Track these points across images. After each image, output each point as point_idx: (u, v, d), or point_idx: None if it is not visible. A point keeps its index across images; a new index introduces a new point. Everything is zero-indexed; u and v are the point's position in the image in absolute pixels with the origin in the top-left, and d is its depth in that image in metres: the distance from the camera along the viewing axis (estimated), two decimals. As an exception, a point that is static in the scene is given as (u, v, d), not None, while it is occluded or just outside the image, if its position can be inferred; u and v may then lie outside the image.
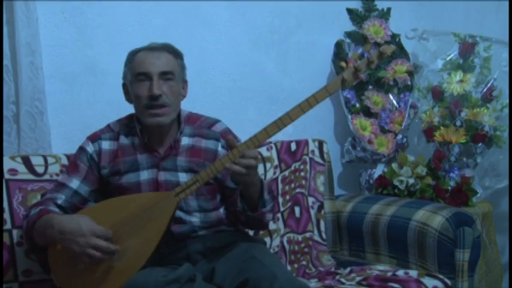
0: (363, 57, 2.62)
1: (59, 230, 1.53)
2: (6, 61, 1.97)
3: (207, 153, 1.78)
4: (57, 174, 1.88)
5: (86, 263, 1.52)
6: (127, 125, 1.80)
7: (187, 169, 1.74)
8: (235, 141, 1.58)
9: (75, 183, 1.73)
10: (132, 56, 1.74)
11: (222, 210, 1.81)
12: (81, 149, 1.78)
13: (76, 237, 1.51)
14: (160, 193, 1.64)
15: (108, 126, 1.82)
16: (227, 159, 1.56)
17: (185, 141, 1.78)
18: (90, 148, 1.76)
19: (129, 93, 1.76)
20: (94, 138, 1.78)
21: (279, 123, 1.58)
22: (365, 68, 1.60)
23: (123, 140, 1.77)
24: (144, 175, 1.72)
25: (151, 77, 1.68)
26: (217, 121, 1.86)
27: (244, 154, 1.54)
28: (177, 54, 1.75)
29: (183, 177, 1.73)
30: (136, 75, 1.70)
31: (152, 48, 1.72)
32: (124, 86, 1.79)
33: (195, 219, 1.73)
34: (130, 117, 1.81)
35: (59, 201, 1.70)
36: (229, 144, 1.58)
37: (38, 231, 1.60)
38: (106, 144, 1.77)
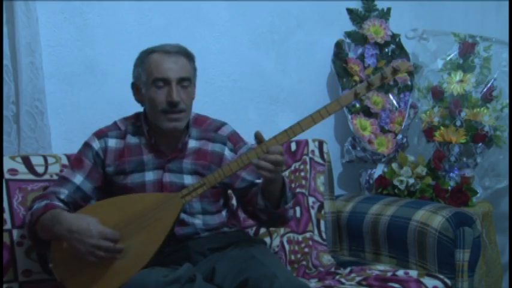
0: (363, 57, 2.63)
1: (67, 227, 1.53)
2: (6, 61, 1.97)
3: (213, 156, 1.78)
4: (57, 174, 1.88)
5: (91, 261, 1.52)
6: (134, 124, 1.79)
7: (192, 171, 1.74)
8: (263, 136, 1.57)
9: (78, 178, 1.72)
10: (146, 56, 1.71)
11: (224, 213, 1.81)
12: (87, 144, 1.77)
13: (83, 237, 1.51)
14: (167, 194, 1.64)
15: (115, 123, 1.81)
16: (253, 154, 1.56)
17: (192, 143, 1.77)
18: (96, 145, 1.76)
19: (140, 94, 1.74)
20: (100, 135, 1.77)
21: (290, 133, 1.58)
22: (378, 83, 1.60)
23: (130, 139, 1.76)
24: (150, 176, 1.72)
25: (170, 82, 1.67)
26: (223, 124, 1.85)
27: (269, 150, 1.54)
28: (190, 58, 1.74)
29: (188, 179, 1.73)
30: (154, 80, 1.67)
31: (169, 52, 1.69)
32: (134, 85, 1.76)
33: (198, 221, 1.73)
34: (137, 117, 1.80)
35: (62, 196, 1.69)
36: (257, 138, 1.56)
37: (43, 225, 1.59)
38: (112, 142, 1.76)
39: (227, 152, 1.80)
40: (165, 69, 1.67)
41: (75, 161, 1.77)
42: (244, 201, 1.81)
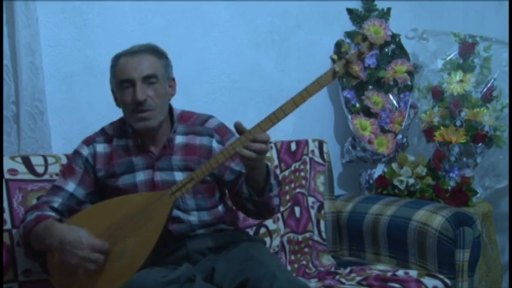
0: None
1: (59, 239, 1.53)
2: (6, 61, 1.97)
3: (201, 150, 1.77)
4: (57, 175, 1.88)
5: (81, 274, 1.52)
6: (120, 128, 1.79)
7: (183, 168, 1.74)
8: (243, 126, 1.56)
9: (71, 186, 1.73)
10: (115, 61, 1.72)
11: (220, 208, 1.81)
12: (76, 152, 1.78)
13: (74, 250, 1.51)
14: (156, 192, 1.64)
15: (103, 129, 1.82)
16: (238, 143, 1.55)
17: (179, 139, 1.77)
18: (85, 151, 1.76)
19: (117, 100, 1.75)
20: (89, 141, 1.78)
21: (273, 118, 1.57)
22: (356, 59, 1.60)
23: (117, 142, 1.77)
24: (140, 176, 1.72)
25: (134, 82, 1.67)
26: (210, 117, 1.85)
27: (255, 138, 1.54)
28: (159, 54, 1.73)
29: (179, 176, 1.72)
30: (120, 82, 1.69)
31: (133, 52, 1.70)
32: (112, 92, 1.78)
33: (193, 218, 1.73)
34: (123, 120, 1.81)
35: (55, 205, 1.70)
36: (237, 129, 1.56)
37: (36, 237, 1.60)
38: (100, 147, 1.77)
39: (215, 145, 1.79)
40: (129, 69, 1.67)
41: (66, 170, 1.77)
42: (233, 193, 1.80)
